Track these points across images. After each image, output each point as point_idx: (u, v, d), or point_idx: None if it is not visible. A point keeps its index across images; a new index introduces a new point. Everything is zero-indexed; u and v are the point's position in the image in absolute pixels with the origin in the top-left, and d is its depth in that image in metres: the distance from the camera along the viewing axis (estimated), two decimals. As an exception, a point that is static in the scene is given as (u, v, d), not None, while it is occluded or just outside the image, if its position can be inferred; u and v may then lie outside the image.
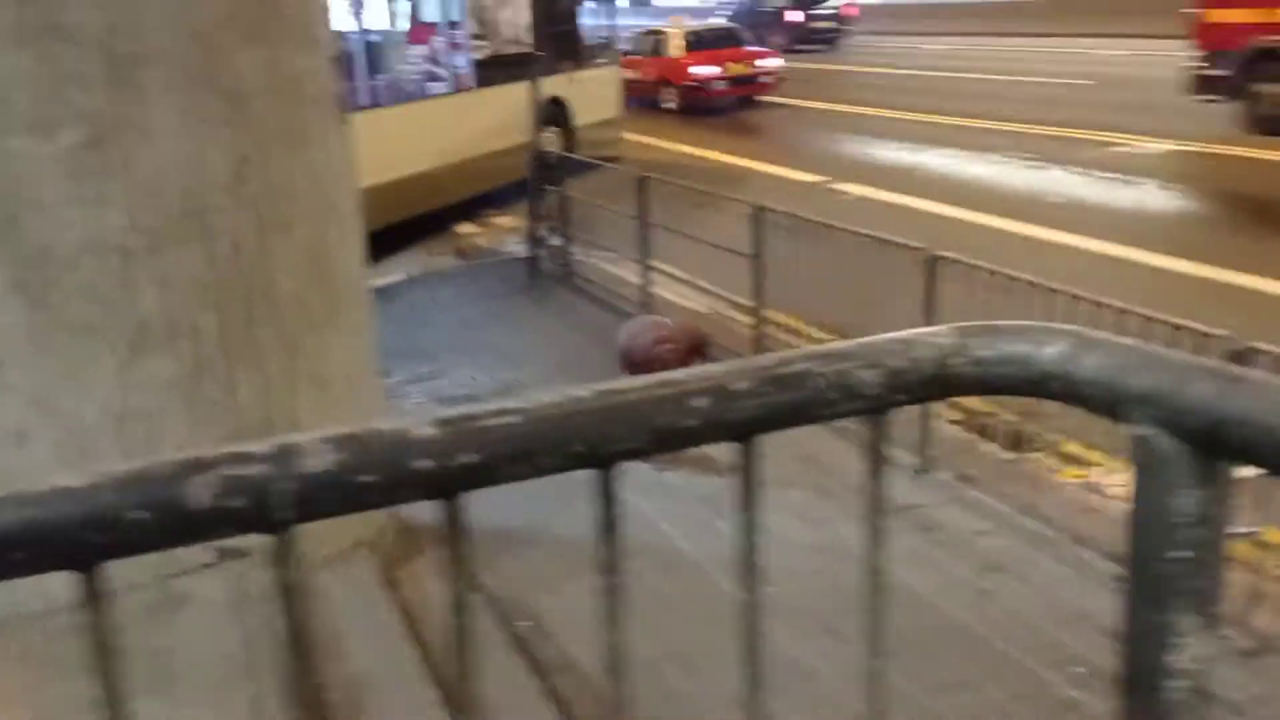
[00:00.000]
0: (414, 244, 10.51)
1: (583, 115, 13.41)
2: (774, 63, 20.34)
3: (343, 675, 3.02)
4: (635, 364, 5.98)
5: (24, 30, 2.91)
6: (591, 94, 13.74)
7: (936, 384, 0.89)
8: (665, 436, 0.83)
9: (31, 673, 2.98)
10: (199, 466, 0.71)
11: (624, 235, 8.25)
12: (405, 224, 10.14)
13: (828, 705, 3.40)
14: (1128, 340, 0.84)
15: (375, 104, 9.99)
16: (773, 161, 14.07)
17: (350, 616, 3.26)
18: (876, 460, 0.93)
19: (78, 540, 0.69)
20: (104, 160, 3.05)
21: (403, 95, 10.62)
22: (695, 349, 6.04)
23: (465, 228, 11.39)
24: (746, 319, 6.92)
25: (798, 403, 0.86)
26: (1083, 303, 4.21)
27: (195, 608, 3.15)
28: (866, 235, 5.55)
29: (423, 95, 10.92)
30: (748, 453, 0.89)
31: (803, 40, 29.78)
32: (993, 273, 4.72)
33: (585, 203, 9.02)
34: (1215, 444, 0.75)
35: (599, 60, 14.37)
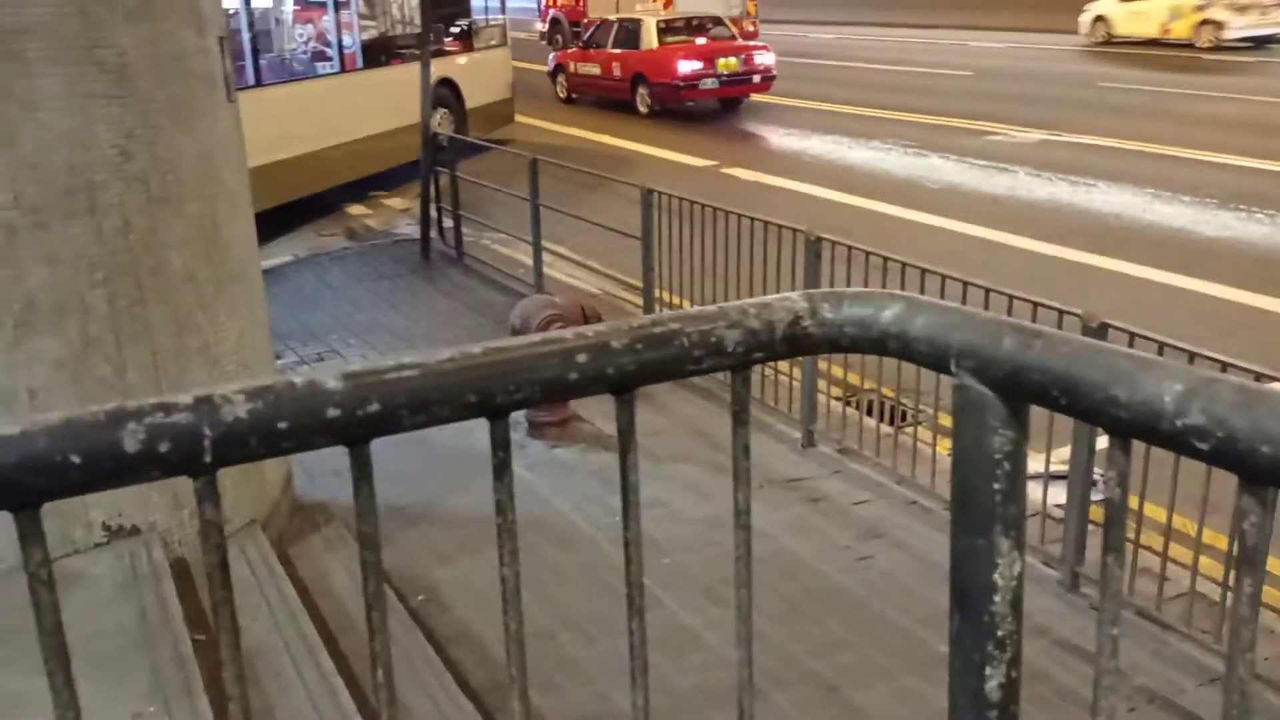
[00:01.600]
0: (303, 225, 10.37)
1: (474, 97, 13.36)
2: None
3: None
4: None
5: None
6: (483, 76, 13.70)
7: (789, 343, 1.01)
8: (550, 388, 0.93)
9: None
10: (126, 415, 0.79)
11: (516, 217, 8.30)
12: (294, 205, 9.99)
13: (719, 668, 3.56)
14: (950, 303, 0.97)
15: (261, 83, 9.80)
16: (664, 146, 14.22)
17: (246, 591, 3.28)
18: (740, 411, 1.05)
19: (15, 483, 0.76)
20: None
21: (289, 74, 10.44)
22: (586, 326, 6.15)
23: (356, 209, 11.26)
24: (637, 299, 7.06)
25: (667, 359, 0.97)
26: (951, 281, 4.44)
27: (88, 586, 3.14)
28: (751, 217, 5.70)
29: (310, 75, 10.75)
30: (627, 404, 1.00)
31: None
32: (869, 254, 4.93)
33: (477, 184, 9.03)
34: (1017, 389, 0.88)
35: (491, 42, 14.31)
